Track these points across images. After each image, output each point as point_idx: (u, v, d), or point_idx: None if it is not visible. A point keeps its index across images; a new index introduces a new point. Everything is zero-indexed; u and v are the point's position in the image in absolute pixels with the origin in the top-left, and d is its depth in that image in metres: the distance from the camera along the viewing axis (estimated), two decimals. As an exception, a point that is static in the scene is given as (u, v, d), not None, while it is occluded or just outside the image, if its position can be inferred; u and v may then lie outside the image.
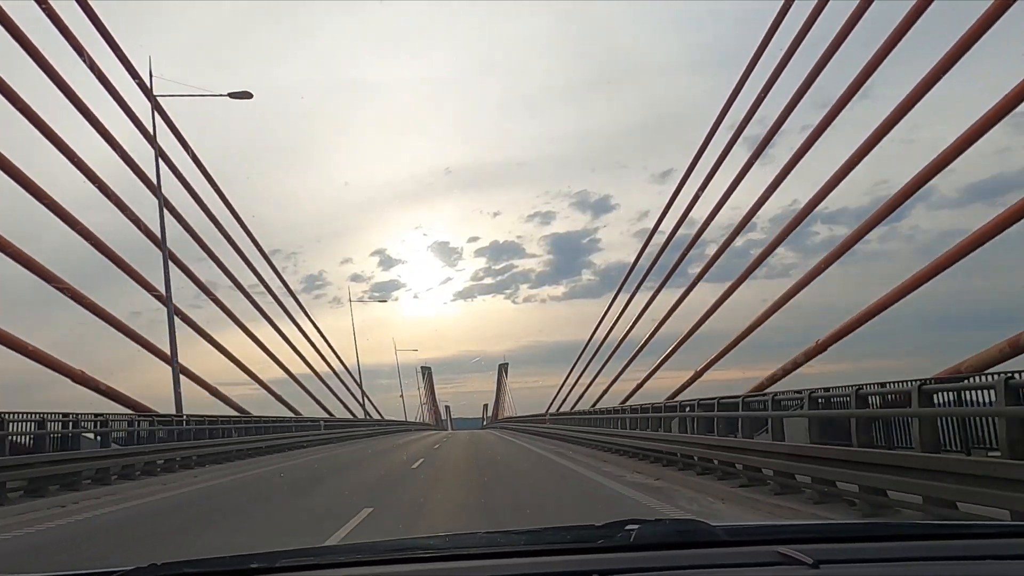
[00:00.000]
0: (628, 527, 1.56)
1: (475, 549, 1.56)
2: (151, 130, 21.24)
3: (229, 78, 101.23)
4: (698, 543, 1.53)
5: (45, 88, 17.66)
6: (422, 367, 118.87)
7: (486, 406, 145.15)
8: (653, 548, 1.50)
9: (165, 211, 21.38)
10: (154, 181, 21.15)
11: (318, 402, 36.49)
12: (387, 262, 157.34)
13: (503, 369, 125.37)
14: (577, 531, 1.63)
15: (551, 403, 46.75)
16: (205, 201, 26.55)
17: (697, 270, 27.01)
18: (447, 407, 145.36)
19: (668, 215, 29.13)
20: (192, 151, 25.08)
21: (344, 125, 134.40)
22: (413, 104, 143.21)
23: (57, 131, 17.99)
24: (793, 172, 20.82)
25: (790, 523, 1.75)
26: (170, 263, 21.02)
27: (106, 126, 20.04)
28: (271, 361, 31.09)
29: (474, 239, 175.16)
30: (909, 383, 6.89)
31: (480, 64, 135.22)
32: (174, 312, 20.64)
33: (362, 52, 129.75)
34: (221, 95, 21.46)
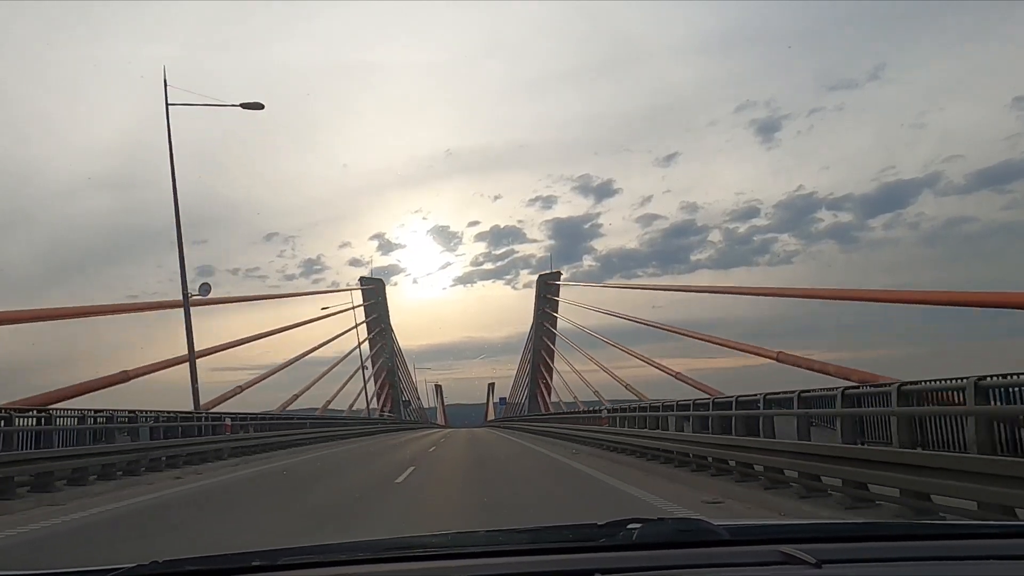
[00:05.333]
0: (630, 526, 1.52)
1: (476, 547, 1.52)
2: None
3: (228, 59, 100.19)
4: (700, 542, 1.49)
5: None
6: (361, 279, 69.48)
7: (491, 386, 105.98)
8: (655, 547, 1.46)
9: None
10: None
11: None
12: (386, 246, 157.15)
13: (545, 283, 67.62)
14: (579, 530, 1.59)
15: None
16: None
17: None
18: (438, 387, 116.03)
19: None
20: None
21: (344, 106, 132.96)
22: (414, 85, 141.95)
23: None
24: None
25: (793, 522, 1.70)
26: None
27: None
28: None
29: (474, 223, 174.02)
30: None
31: (483, 46, 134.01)
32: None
33: (363, 33, 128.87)
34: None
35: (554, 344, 63.62)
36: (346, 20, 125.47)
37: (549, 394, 61.88)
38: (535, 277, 71.91)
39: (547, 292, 67.19)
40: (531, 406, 66.47)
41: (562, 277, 67.82)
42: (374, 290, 70.20)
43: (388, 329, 70.99)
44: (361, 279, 69.50)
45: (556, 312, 63.59)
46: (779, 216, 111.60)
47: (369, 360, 61.56)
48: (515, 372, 78.48)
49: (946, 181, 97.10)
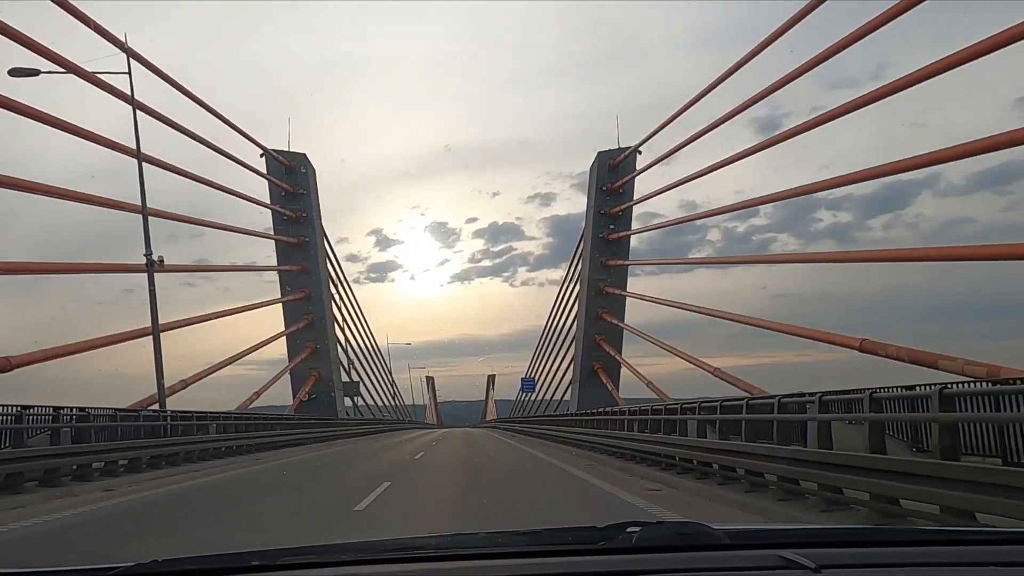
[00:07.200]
0: (629, 529, 1.80)
1: (476, 549, 1.80)
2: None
3: (224, 52, 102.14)
4: (700, 546, 1.77)
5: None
6: (268, 150, 49.63)
7: (491, 379, 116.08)
8: (654, 550, 1.74)
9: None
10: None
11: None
12: (384, 242, 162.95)
13: (608, 166, 53.30)
14: (578, 532, 1.87)
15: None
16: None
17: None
18: (428, 379, 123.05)
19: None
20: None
21: (342, 102, 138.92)
22: (413, 81, 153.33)
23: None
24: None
25: (792, 527, 2.10)
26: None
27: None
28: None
29: (472, 220, 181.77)
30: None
31: (483, 41, 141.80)
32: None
33: (361, 28, 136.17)
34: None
35: (626, 284, 46.66)
36: (344, 15, 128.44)
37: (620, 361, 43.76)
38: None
39: (610, 181, 51.50)
40: (585, 391, 47.49)
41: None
42: (292, 171, 49.94)
43: (318, 244, 51.06)
44: (269, 150, 49.04)
45: (630, 201, 48.60)
46: (778, 215, 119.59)
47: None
48: (539, 340, 63.46)
49: (946, 182, 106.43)
